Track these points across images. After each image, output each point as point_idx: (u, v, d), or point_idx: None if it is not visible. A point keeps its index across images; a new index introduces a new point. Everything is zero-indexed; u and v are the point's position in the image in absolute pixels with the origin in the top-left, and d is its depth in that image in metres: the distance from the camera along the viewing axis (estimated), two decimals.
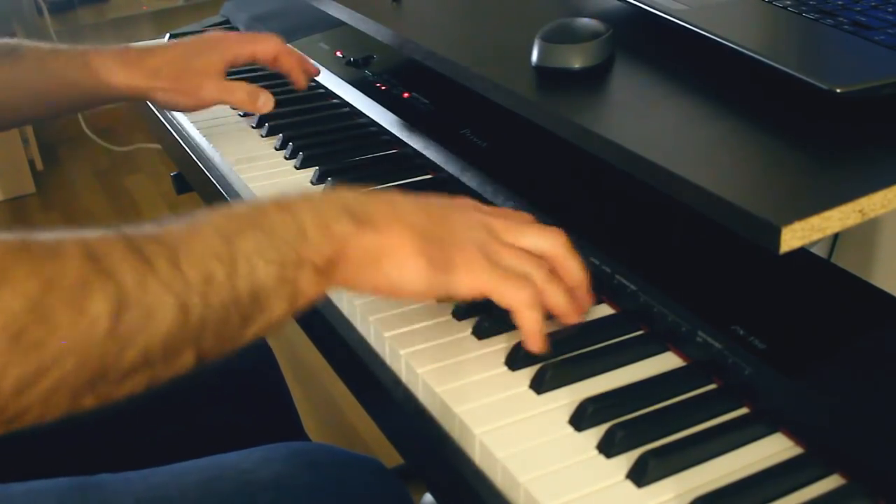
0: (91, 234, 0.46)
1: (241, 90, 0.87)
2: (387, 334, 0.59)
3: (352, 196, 0.54)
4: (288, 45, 0.91)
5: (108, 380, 0.45)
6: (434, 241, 0.53)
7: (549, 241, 0.57)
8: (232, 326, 0.49)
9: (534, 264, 0.56)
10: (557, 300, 0.56)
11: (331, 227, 0.52)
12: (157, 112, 1.03)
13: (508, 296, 0.53)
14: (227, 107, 0.98)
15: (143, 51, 0.86)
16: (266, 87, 1.00)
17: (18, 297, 0.41)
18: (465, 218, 0.56)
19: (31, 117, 0.94)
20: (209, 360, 0.49)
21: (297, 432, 0.96)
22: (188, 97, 0.86)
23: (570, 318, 0.57)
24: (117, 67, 0.84)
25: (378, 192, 0.56)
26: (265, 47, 0.89)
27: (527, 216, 0.61)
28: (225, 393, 0.89)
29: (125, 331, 0.44)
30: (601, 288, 0.61)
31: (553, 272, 0.56)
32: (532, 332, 0.54)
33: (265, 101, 0.87)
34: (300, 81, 0.92)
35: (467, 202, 0.59)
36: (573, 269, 0.58)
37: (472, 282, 0.53)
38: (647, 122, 0.67)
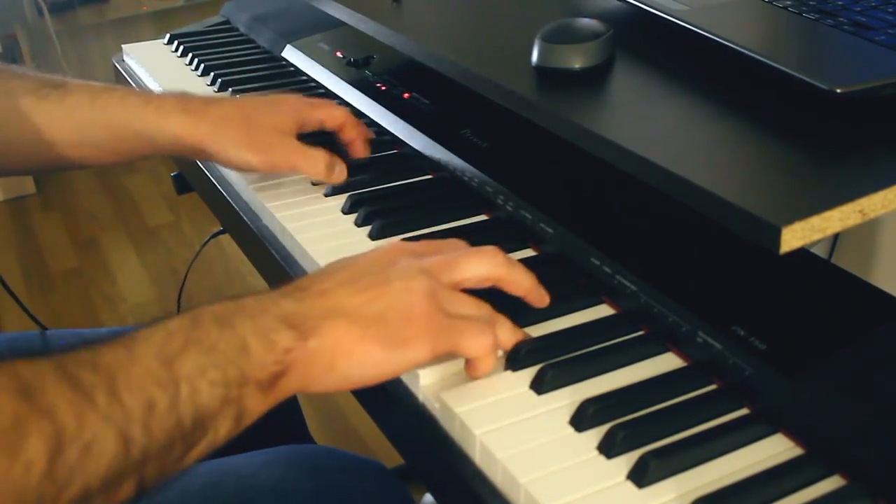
0: (24, 366, 0.43)
1: (320, 158, 0.76)
2: None
3: (288, 302, 0.52)
4: (353, 117, 0.83)
5: None
6: (379, 321, 0.51)
7: (488, 265, 0.56)
8: (175, 453, 0.47)
9: (478, 305, 0.55)
10: (507, 339, 0.56)
11: (273, 342, 0.49)
12: (195, 159, 1.00)
13: (472, 347, 0.53)
14: None
15: (207, 100, 0.78)
16: (267, 86, 1.01)
17: None
18: (401, 274, 0.54)
19: (67, 163, 0.80)
20: (151, 488, 0.47)
21: (301, 434, 0.96)
22: (260, 153, 0.75)
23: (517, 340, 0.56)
24: (178, 114, 0.75)
25: (310, 287, 0.53)
26: (334, 116, 0.80)
27: (457, 242, 0.60)
28: None
29: (63, 471, 0.41)
30: (601, 288, 0.62)
31: (497, 313, 0.56)
32: (486, 372, 0.54)
33: (340, 172, 0.77)
34: (360, 152, 0.82)
35: (396, 250, 0.57)
36: (519, 280, 0.57)
37: (433, 346, 0.52)
38: (647, 122, 0.67)
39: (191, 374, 0.46)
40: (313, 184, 0.79)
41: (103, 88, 0.77)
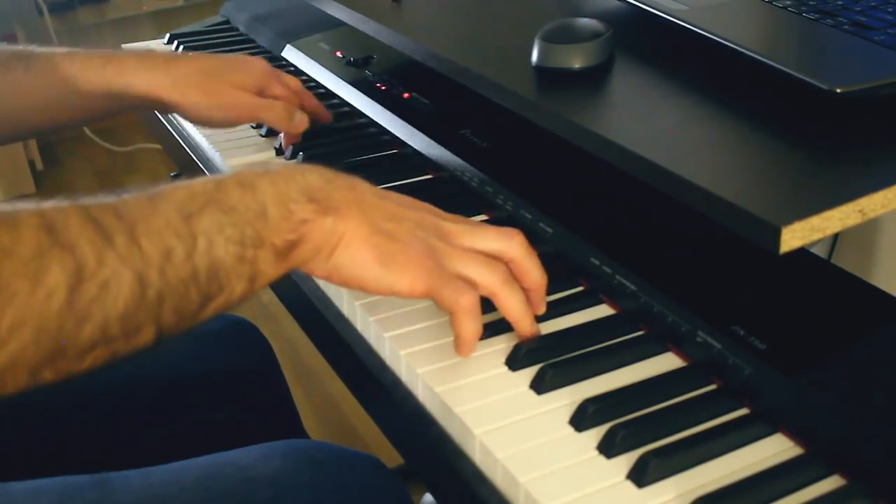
0: (48, 205, 0.45)
1: (280, 106, 0.81)
2: (387, 335, 0.59)
3: (316, 176, 0.54)
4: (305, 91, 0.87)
5: (66, 355, 0.45)
6: (385, 235, 0.54)
7: (506, 243, 0.57)
8: (191, 303, 0.49)
9: (489, 266, 0.55)
10: (512, 304, 0.56)
11: (292, 210, 0.52)
12: (156, 112, 1.03)
13: (447, 298, 0.54)
14: None
15: (169, 56, 0.80)
16: None
17: None
18: (419, 218, 0.56)
19: (43, 128, 0.86)
20: (169, 336, 0.49)
21: (297, 431, 0.96)
22: (221, 110, 0.79)
23: (524, 326, 0.56)
24: (140, 72, 0.78)
25: (343, 176, 0.56)
26: (291, 84, 0.85)
27: (484, 223, 0.60)
28: (226, 392, 0.89)
29: (83, 304, 0.44)
30: (601, 288, 0.62)
31: (511, 276, 0.56)
32: (465, 339, 0.54)
33: (301, 120, 0.82)
34: (327, 116, 0.89)
35: (424, 204, 0.59)
36: (531, 270, 0.57)
37: (412, 281, 0.53)
38: (647, 122, 0.67)
39: (209, 229, 0.49)
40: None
41: (66, 54, 0.79)
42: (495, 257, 0.57)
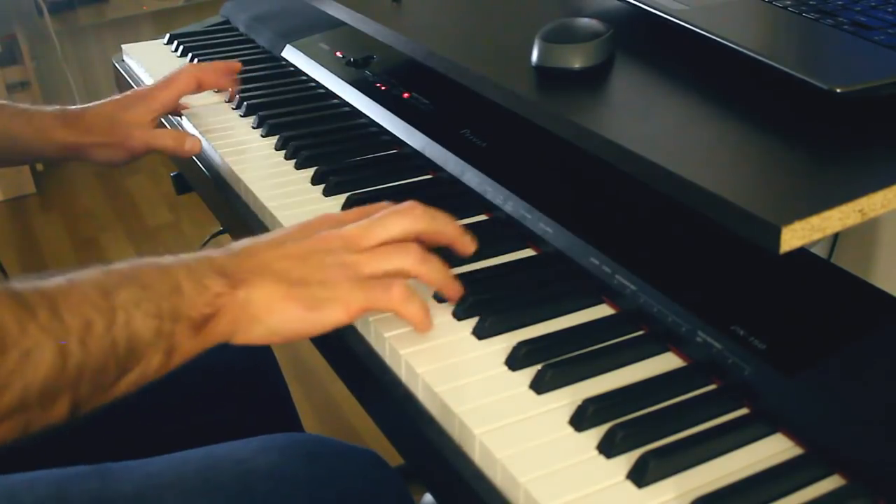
0: None
1: (167, 136, 0.90)
2: (387, 335, 0.59)
3: (221, 256, 0.57)
4: (199, 63, 0.95)
5: None
6: (301, 283, 0.56)
7: (407, 220, 0.60)
8: (108, 376, 0.50)
9: (399, 253, 0.59)
10: (433, 276, 0.59)
11: (205, 285, 0.54)
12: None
13: (381, 302, 0.57)
14: (228, 106, 0.98)
15: (80, 110, 0.90)
16: (267, 86, 1.01)
17: None
18: (321, 245, 0.59)
19: None
20: (82, 411, 0.50)
21: (296, 429, 0.96)
22: (119, 150, 0.89)
23: (450, 290, 0.60)
24: (58, 125, 0.88)
25: (242, 248, 0.59)
26: (185, 82, 0.92)
27: (382, 205, 0.63)
28: (225, 391, 0.89)
29: (4, 372, 0.45)
30: (601, 288, 0.62)
31: (424, 251, 0.59)
32: (416, 320, 0.57)
33: (192, 144, 0.89)
34: (227, 85, 0.97)
35: (323, 220, 0.62)
36: (442, 230, 0.61)
37: (345, 308, 0.56)
38: (647, 122, 0.67)
39: (126, 303, 0.51)
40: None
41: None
42: (404, 237, 0.60)
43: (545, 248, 0.67)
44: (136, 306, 0.51)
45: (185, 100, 0.95)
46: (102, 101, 0.92)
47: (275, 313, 0.56)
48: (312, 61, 1.02)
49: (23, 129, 0.88)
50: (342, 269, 0.57)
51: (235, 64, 0.98)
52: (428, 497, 1.29)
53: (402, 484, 0.71)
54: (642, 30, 0.82)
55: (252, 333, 0.56)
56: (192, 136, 0.90)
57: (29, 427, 0.49)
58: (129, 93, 0.93)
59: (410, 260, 0.58)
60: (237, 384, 0.90)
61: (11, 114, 0.89)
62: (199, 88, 0.94)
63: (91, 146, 0.89)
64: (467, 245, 0.63)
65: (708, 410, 0.52)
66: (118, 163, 0.91)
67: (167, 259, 0.55)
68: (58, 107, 0.91)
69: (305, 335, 0.57)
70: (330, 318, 0.56)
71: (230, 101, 0.96)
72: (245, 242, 0.60)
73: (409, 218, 0.60)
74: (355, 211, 0.64)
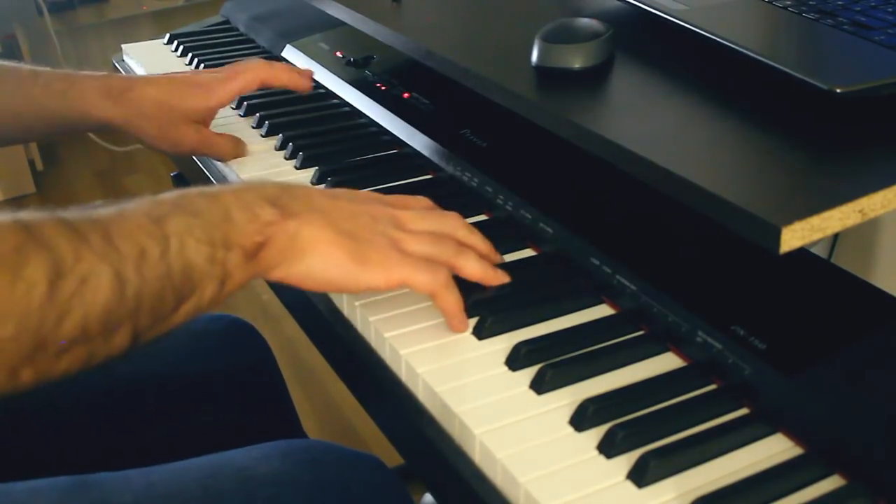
0: (24, 214, 0.47)
1: (225, 143, 0.84)
2: (387, 334, 0.59)
3: (272, 187, 0.57)
4: (269, 62, 0.87)
5: (46, 351, 0.45)
6: (350, 235, 0.56)
7: (449, 224, 0.62)
8: (166, 304, 0.50)
9: (441, 242, 0.60)
10: (473, 266, 0.60)
11: (256, 213, 0.54)
12: None
13: (423, 282, 0.57)
14: (229, 107, 0.98)
15: (126, 83, 0.82)
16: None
17: None
18: (373, 212, 0.59)
19: (7, 139, 0.87)
20: (144, 340, 0.50)
21: (296, 431, 0.96)
22: (164, 141, 0.83)
23: (491, 278, 0.61)
24: (98, 99, 0.81)
25: (295, 186, 0.59)
26: (248, 79, 0.85)
27: (425, 200, 0.65)
28: (225, 393, 0.89)
29: (63, 298, 0.45)
30: (601, 288, 0.62)
31: (462, 245, 0.60)
32: (453, 312, 0.58)
33: (244, 148, 0.86)
34: (301, 86, 0.88)
35: (371, 195, 0.63)
36: (476, 243, 0.62)
37: (387, 274, 0.56)
38: (647, 122, 0.67)
39: (179, 230, 0.50)
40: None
41: (29, 74, 0.82)
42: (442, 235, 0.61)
43: (545, 248, 0.67)
44: (188, 234, 0.51)
45: None
46: (152, 76, 0.85)
47: (319, 254, 0.55)
48: (312, 61, 1.02)
49: (59, 101, 0.81)
50: (388, 240, 0.58)
51: (307, 83, 0.89)
52: (428, 497, 1.29)
53: (403, 489, 0.71)
54: (642, 30, 0.82)
55: (293, 268, 0.55)
56: (243, 142, 0.85)
57: (93, 358, 0.48)
58: (183, 76, 0.85)
59: (451, 250, 0.59)
60: (236, 385, 0.90)
61: (47, 83, 0.82)
62: (264, 86, 0.87)
63: (135, 127, 0.82)
64: (496, 271, 0.62)
65: (708, 410, 0.52)
66: (160, 150, 0.86)
67: (216, 187, 0.55)
68: (101, 74, 0.83)
69: (340, 286, 0.57)
70: (370, 277, 0.56)
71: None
72: (301, 186, 0.59)
73: (454, 224, 0.62)
74: (396, 196, 0.64)
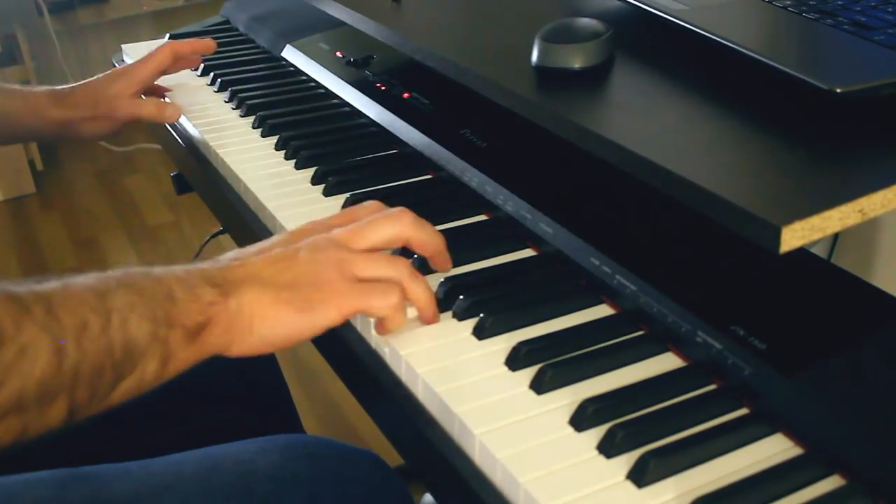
0: None
1: (149, 104, 0.95)
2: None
3: (212, 268, 0.57)
4: (176, 40, 1.00)
5: None
6: (290, 287, 0.56)
7: (396, 227, 0.61)
8: (105, 380, 0.50)
9: (394, 266, 0.59)
10: (419, 295, 0.59)
11: (197, 294, 0.54)
12: None
13: (377, 307, 0.57)
14: (229, 107, 0.98)
15: (68, 89, 0.95)
16: (267, 86, 1.01)
17: None
18: (310, 244, 0.59)
19: None
20: (81, 415, 0.50)
21: (296, 430, 0.96)
22: (105, 122, 0.94)
23: (429, 314, 0.59)
24: (50, 104, 0.93)
25: (233, 259, 0.59)
26: (162, 56, 0.96)
27: (370, 205, 0.64)
28: (225, 391, 0.89)
29: (1, 367, 0.45)
30: (601, 288, 0.62)
31: (414, 269, 0.60)
32: (393, 330, 0.58)
33: (172, 111, 0.96)
34: (207, 47, 1.01)
35: (311, 226, 0.62)
36: (427, 240, 0.62)
37: (339, 309, 0.56)
38: (647, 122, 0.67)
39: (122, 307, 0.51)
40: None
41: None
42: (391, 241, 0.61)
43: (545, 248, 0.67)
44: (131, 309, 0.51)
45: (190, 104, 0.97)
46: (88, 79, 0.96)
47: (266, 319, 0.55)
48: (312, 61, 1.02)
49: (19, 108, 0.93)
50: (335, 268, 0.57)
51: (210, 42, 1.02)
52: (428, 497, 1.29)
53: (402, 485, 0.71)
54: (642, 30, 0.82)
55: (245, 344, 0.56)
56: (172, 103, 0.96)
57: (27, 429, 0.48)
58: (112, 70, 0.98)
59: (403, 273, 0.59)
60: (237, 385, 0.90)
61: (7, 93, 0.93)
62: (176, 63, 0.99)
63: (80, 121, 0.94)
64: (446, 262, 0.64)
65: (708, 410, 0.52)
66: (105, 135, 0.97)
67: (158, 269, 0.55)
68: (48, 87, 0.95)
69: (298, 338, 0.57)
70: (322, 319, 0.56)
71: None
72: (232, 253, 0.60)
73: (400, 224, 0.61)
74: (343, 214, 0.64)
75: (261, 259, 0.58)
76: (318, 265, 0.57)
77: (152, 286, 0.53)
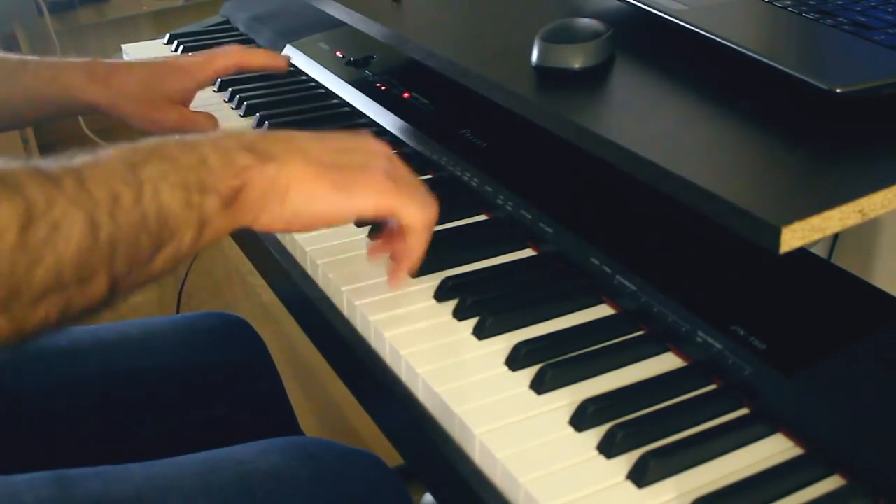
0: None
1: (203, 120, 0.89)
2: (387, 334, 0.59)
3: (251, 134, 0.56)
4: (244, 47, 0.93)
5: (20, 299, 0.44)
6: (334, 167, 0.56)
7: (432, 209, 0.60)
8: (142, 251, 0.49)
9: (432, 204, 0.59)
10: (420, 247, 0.59)
11: (232, 158, 0.53)
12: None
13: (411, 213, 0.57)
14: (229, 107, 0.98)
15: (109, 67, 0.86)
16: (267, 86, 1.01)
17: None
18: (365, 146, 0.59)
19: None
20: (123, 290, 0.50)
21: (292, 428, 0.96)
22: (146, 121, 0.86)
23: (413, 265, 0.60)
24: (85, 83, 0.85)
25: (278, 131, 0.58)
26: (225, 62, 0.90)
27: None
28: (220, 389, 0.89)
29: (34, 244, 0.44)
30: (601, 288, 0.62)
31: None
32: (415, 255, 0.58)
33: (216, 124, 0.90)
34: (277, 65, 0.93)
35: (368, 134, 0.62)
36: (416, 246, 0.60)
37: (377, 199, 0.56)
38: (647, 122, 0.67)
39: (153, 176, 0.50)
40: None
41: (18, 62, 0.85)
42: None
43: (545, 248, 0.67)
44: (163, 178, 0.50)
45: (190, 104, 0.93)
46: (133, 62, 0.89)
47: (302, 191, 0.55)
48: (312, 61, 1.02)
49: (48, 87, 0.85)
50: (384, 165, 0.57)
51: (283, 61, 0.94)
52: (428, 497, 1.29)
53: (402, 486, 0.71)
54: (642, 30, 0.82)
55: (274, 213, 0.55)
56: (215, 118, 0.90)
57: (70, 307, 0.47)
58: (163, 60, 0.90)
59: (431, 214, 0.59)
60: (232, 381, 0.90)
61: (36, 71, 0.85)
62: (240, 70, 0.92)
63: (118, 109, 0.86)
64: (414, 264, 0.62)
65: (708, 410, 0.52)
66: (144, 130, 0.88)
67: (193, 137, 0.54)
68: (81, 60, 0.86)
69: (329, 219, 0.56)
70: (359, 203, 0.56)
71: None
72: (284, 131, 0.59)
73: (432, 209, 0.60)
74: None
75: (311, 140, 0.57)
76: (370, 158, 0.57)
77: (185, 154, 0.52)
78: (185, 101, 0.89)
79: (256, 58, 0.92)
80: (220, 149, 0.53)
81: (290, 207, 0.55)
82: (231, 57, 0.90)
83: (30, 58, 0.86)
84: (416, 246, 0.58)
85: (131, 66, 0.88)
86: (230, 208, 0.53)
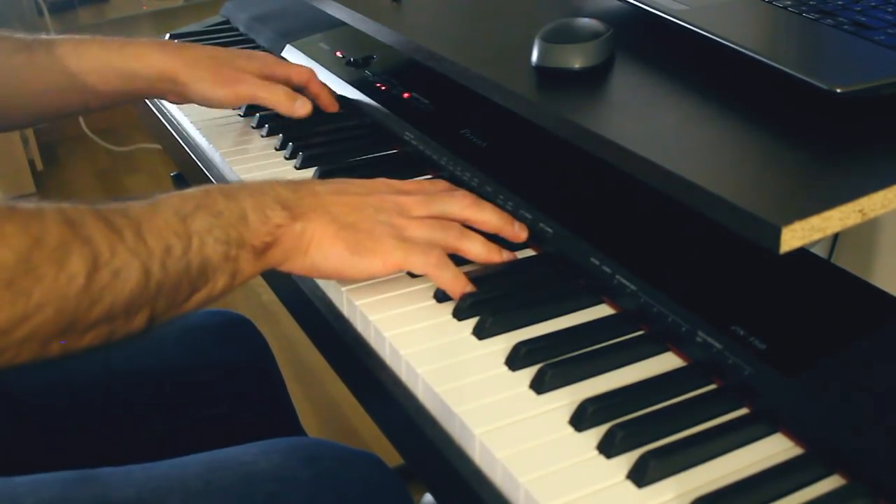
0: (65, 204, 0.52)
1: (281, 89, 0.87)
2: (387, 334, 0.59)
3: (284, 190, 0.62)
4: (315, 79, 0.92)
5: (75, 330, 0.51)
6: (350, 228, 0.61)
7: (457, 205, 0.66)
8: (181, 294, 0.56)
9: (443, 227, 0.64)
10: (472, 248, 0.64)
11: (268, 216, 0.59)
12: (156, 112, 1.03)
13: (417, 263, 0.61)
14: (237, 114, 0.98)
15: (181, 44, 0.89)
16: None
17: (10, 251, 0.47)
18: (378, 202, 0.64)
19: (55, 111, 0.89)
20: (160, 322, 0.56)
21: (294, 428, 0.96)
22: (225, 87, 0.86)
23: (492, 257, 0.64)
24: (156, 51, 0.85)
25: (305, 185, 0.64)
26: (300, 72, 0.91)
27: (440, 184, 0.69)
28: (223, 388, 0.89)
29: (97, 288, 0.51)
30: (601, 288, 0.62)
31: (464, 229, 0.65)
32: (450, 286, 0.61)
33: (302, 104, 0.87)
34: (331, 105, 0.92)
35: (382, 183, 0.67)
36: (487, 218, 0.66)
37: (384, 259, 0.61)
38: (647, 122, 0.67)
39: (201, 230, 0.56)
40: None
41: (85, 38, 0.87)
42: (451, 218, 0.65)
43: (545, 248, 0.67)
44: (208, 232, 0.56)
45: (190, 104, 0.92)
46: (203, 45, 0.90)
47: (322, 248, 0.61)
48: (312, 61, 1.01)
49: (116, 55, 0.84)
50: (389, 228, 0.62)
51: (335, 105, 0.92)
52: (428, 497, 1.29)
53: (403, 487, 0.72)
54: (642, 30, 0.82)
55: (297, 262, 0.61)
56: (305, 98, 0.88)
57: (113, 335, 0.53)
58: (238, 48, 0.92)
59: (451, 234, 0.63)
60: (234, 381, 0.90)
61: (104, 41, 0.86)
62: (304, 86, 0.90)
63: (194, 72, 0.85)
64: (515, 232, 0.66)
65: (708, 410, 0.52)
66: (217, 102, 0.87)
67: (234, 186, 0.61)
68: (152, 38, 0.88)
69: (342, 275, 0.62)
70: (368, 265, 0.61)
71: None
72: (310, 182, 0.65)
73: (461, 203, 0.66)
74: (414, 182, 0.69)
75: (334, 197, 0.63)
76: (378, 221, 0.62)
77: (229, 208, 0.58)
78: (258, 77, 0.88)
79: (318, 88, 0.91)
80: (258, 205, 0.59)
81: (310, 260, 0.61)
82: (301, 72, 0.91)
83: (96, 36, 0.86)
84: (440, 283, 0.62)
85: (201, 45, 0.90)
86: (260, 258, 0.59)
